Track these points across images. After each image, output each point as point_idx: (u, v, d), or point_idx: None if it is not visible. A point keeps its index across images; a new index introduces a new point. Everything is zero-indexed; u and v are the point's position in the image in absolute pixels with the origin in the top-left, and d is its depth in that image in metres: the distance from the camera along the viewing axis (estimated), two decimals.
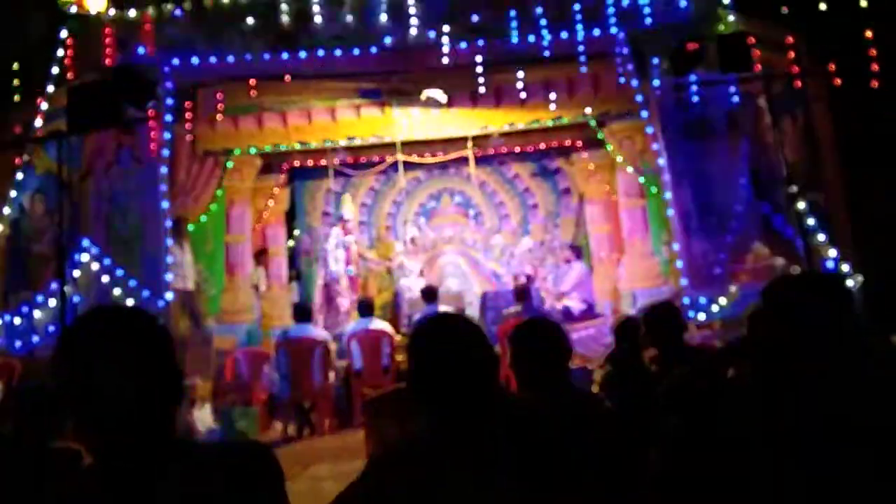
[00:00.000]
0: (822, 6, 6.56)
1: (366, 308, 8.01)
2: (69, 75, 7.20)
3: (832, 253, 6.90)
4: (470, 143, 9.30)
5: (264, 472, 1.30)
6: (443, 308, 7.67)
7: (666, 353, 3.27)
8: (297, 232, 10.38)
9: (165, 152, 7.47)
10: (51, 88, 7.26)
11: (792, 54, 7.21)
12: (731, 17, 7.60)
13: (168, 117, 7.52)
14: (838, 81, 6.38)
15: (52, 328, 6.77)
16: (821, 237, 6.98)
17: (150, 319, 1.33)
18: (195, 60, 7.65)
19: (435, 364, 1.58)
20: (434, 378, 1.57)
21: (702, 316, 7.18)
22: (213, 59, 7.65)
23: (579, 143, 9.74)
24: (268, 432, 7.48)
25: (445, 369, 1.56)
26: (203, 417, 7.09)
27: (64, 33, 7.49)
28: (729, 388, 2.17)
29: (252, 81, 7.79)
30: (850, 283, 6.56)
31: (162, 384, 1.27)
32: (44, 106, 7.13)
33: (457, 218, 10.57)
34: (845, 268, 6.77)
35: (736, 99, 7.55)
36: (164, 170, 7.44)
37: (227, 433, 6.95)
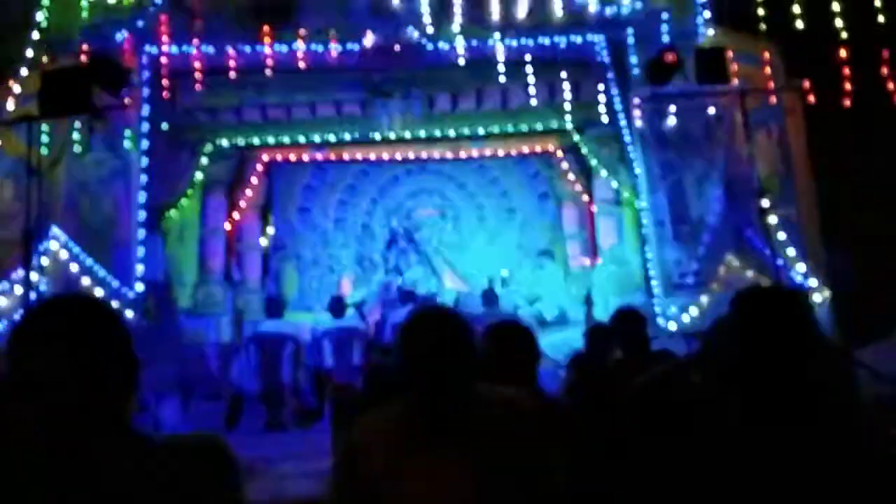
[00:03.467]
0: (799, 24, 6.65)
1: (338, 307, 7.97)
2: (44, 59, 7.06)
3: (801, 267, 7.00)
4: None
5: (218, 466, 1.29)
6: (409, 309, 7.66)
7: (630, 359, 3.31)
8: (270, 228, 10.30)
9: (144, 143, 7.38)
10: (24, 71, 7.13)
11: (768, 69, 7.32)
12: (710, 31, 7.69)
13: (145, 106, 7.43)
14: (811, 98, 6.49)
15: (16, 315, 6.64)
16: (791, 251, 7.08)
17: (101, 310, 1.30)
18: (174, 50, 7.57)
19: (419, 351, 1.64)
20: (417, 364, 1.63)
21: (673, 325, 7.26)
22: (192, 50, 7.57)
23: (558, 149, 9.79)
24: (235, 427, 7.40)
25: (429, 356, 1.63)
26: (169, 410, 7.00)
27: (40, 16, 7.35)
28: (695, 400, 2.19)
29: (232, 73, 7.72)
30: (816, 297, 6.67)
31: (109, 376, 1.24)
32: (16, 89, 7.00)
33: (434, 218, 10.56)
34: (814, 282, 6.88)
35: (712, 111, 7.65)
36: (143, 160, 7.35)
37: (194, 427, 6.87)
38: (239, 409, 7.63)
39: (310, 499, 4.64)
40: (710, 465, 1.81)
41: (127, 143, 7.29)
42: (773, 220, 6.83)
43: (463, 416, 1.65)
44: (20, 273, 6.47)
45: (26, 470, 1.20)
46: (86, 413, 1.21)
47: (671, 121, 7.68)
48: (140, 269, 7.31)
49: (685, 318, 7.25)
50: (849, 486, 1.66)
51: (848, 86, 6.68)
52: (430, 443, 1.64)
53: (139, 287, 7.24)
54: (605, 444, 2.63)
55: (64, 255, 6.98)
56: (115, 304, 6.68)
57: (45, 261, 6.82)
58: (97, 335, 1.25)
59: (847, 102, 6.52)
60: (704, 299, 7.25)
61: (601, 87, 8.14)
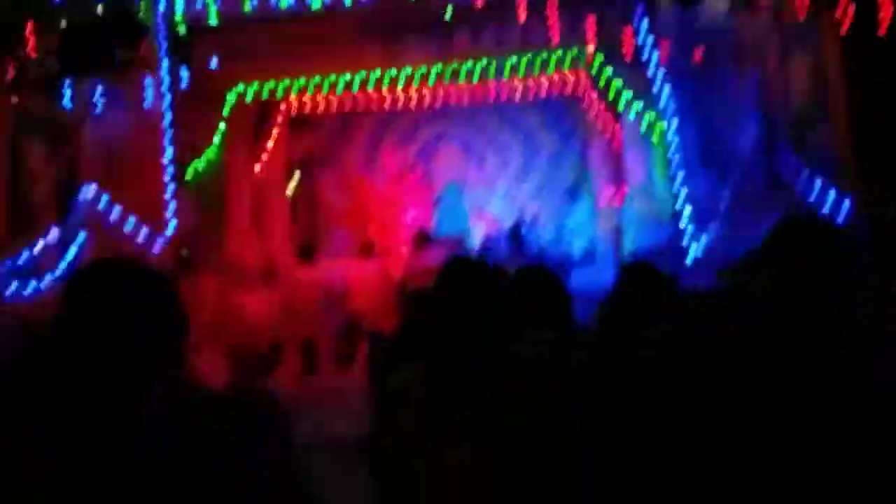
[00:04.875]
0: None
1: (368, 250, 8.06)
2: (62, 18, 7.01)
3: (837, 199, 6.82)
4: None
5: (269, 417, 1.33)
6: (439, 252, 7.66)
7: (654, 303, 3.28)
8: (296, 177, 10.32)
9: (162, 94, 7.36)
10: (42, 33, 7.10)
11: None
12: None
13: (163, 60, 7.38)
14: (846, 26, 6.19)
15: (56, 270, 6.79)
16: (826, 178, 6.89)
17: (147, 274, 1.34)
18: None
19: (448, 293, 1.72)
20: (446, 304, 1.71)
21: (701, 258, 7.19)
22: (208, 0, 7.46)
23: (583, 84, 9.56)
24: (273, 373, 7.60)
25: (456, 297, 1.70)
26: (209, 360, 7.19)
27: None
28: (721, 337, 2.17)
29: (249, 22, 7.61)
30: (852, 226, 6.52)
31: (155, 340, 1.27)
32: (37, 50, 6.98)
33: (458, 160, 10.48)
34: (851, 214, 6.70)
35: (744, 36, 7.35)
36: (162, 112, 7.36)
37: (233, 375, 7.07)
38: (277, 355, 7.83)
39: (349, 437, 4.79)
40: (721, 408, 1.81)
41: (148, 98, 7.29)
42: (807, 147, 6.64)
43: (482, 383, 1.67)
44: (56, 230, 6.63)
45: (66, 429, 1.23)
46: (133, 370, 1.23)
47: (701, 48, 7.40)
48: (171, 223, 7.42)
49: (714, 251, 7.17)
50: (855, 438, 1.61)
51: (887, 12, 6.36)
52: (446, 414, 1.68)
53: (169, 232, 7.36)
54: (621, 397, 2.63)
55: (97, 212, 7.09)
56: (151, 259, 6.81)
57: (80, 217, 6.94)
58: (143, 300, 1.28)
59: (884, 27, 6.22)
60: (733, 232, 7.14)
61: (627, 16, 7.86)
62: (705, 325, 2.16)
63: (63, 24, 6.17)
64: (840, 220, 6.34)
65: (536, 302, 2.57)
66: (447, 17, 7.64)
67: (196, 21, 7.59)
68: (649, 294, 3.49)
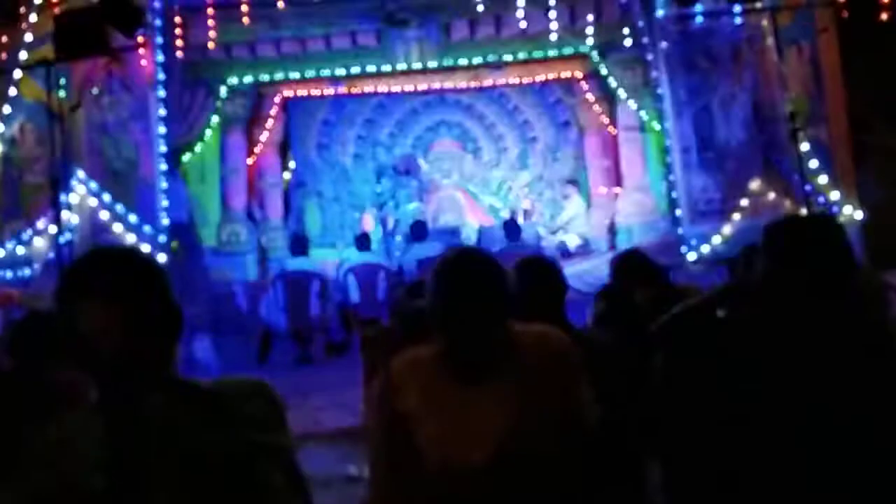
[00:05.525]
0: None
1: (363, 242, 8.03)
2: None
3: (832, 192, 6.83)
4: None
5: (265, 408, 1.32)
6: (434, 244, 7.64)
7: (655, 294, 3.29)
8: (291, 164, 10.26)
9: (160, 78, 7.29)
10: (34, 17, 7.01)
11: None
12: None
13: (159, 43, 7.31)
14: (846, 14, 6.20)
15: (48, 257, 6.74)
16: (822, 176, 6.91)
17: (144, 262, 1.33)
18: None
19: (453, 296, 1.64)
20: (451, 309, 1.64)
21: (696, 253, 7.20)
22: None
23: (580, 75, 9.55)
24: (265, 363, 7.57)
25: (463, 302, 1.63)
26: (201, 348, 7.17)
27: None
28: (726, 325, 2.18)
29: (245, 7, 7.56)
30: (847, 222, 6.54)
31: (156, 326, 1.27)
32: (29, 33, 6.90)
33: (454, 151, 10.45)
34: (847, 208, 6.72)
35: (741, 30, 7.36)
36: (159, 95, 7.29)
37: (225, 364, 7.05)
38: (269, 345, 7.80)
39: (344, 429, 4.79)
40: (738, 378, 1.82)
41: (143, 84, 7.22)
42: (804, 144, 6.64)
43: (496, 358, 1.66)
44: (47, 219, 6.55)
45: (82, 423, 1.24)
46: (134, 365, 1.23)
47: (697, 42, 7.41)
48: (165, 210, 7.37)
49: (710, 246, 7.19)
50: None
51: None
52: (462, 383, 1.66)
53: (165, 224, 7.31)
54: (636, 374, 2.64)
55: (90, 199, 7.03)
56: (144, 247, 6.76)
57: (72, 205, 6.87)
58: (141, 288, 1.27)
59: (884, 16, 6.22)
60: (729, 227, 7.17)
61: (624, 8, 7.86)
62: (709, 311, 2.18)
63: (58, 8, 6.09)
64: (836, 217, 6.35)
65: (535, 293, 2.55)
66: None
67: (192, 5, 7.53)
68: (644, 283, 3.51)
